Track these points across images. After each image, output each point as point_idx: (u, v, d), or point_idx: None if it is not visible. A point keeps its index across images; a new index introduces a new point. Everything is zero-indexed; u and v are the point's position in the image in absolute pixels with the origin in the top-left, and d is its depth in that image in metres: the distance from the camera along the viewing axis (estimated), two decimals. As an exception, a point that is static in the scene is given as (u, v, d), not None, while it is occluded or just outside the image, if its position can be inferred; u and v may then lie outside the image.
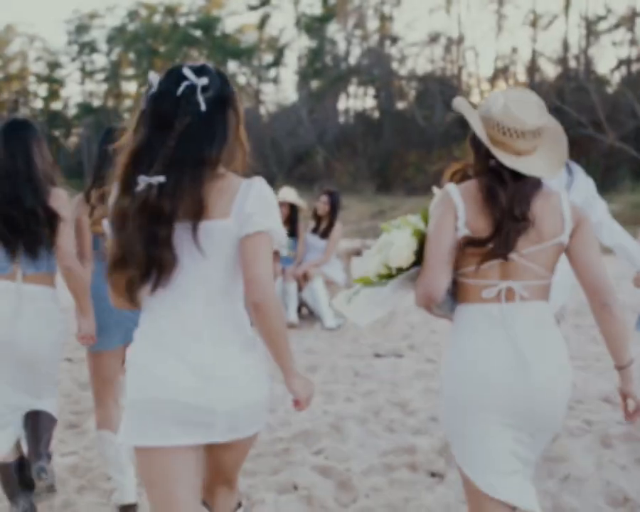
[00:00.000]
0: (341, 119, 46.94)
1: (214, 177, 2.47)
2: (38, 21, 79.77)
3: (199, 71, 2.51)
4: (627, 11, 38.90)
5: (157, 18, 51.04)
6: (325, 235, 9.67)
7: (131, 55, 51.11)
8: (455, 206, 2.72)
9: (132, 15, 50.40)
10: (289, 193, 9.71)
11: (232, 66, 49.37)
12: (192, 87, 2.46)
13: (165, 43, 50.02)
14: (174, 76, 2.50)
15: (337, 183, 30.67)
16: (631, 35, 39.31)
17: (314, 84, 47.26)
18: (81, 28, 50.67)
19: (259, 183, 2.51)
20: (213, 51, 48.37)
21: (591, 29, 40.69)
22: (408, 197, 33.01)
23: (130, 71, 51.93)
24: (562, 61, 41.53)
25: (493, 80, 44.73)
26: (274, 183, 29.41)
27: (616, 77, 41.09)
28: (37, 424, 3.98)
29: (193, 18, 49.67)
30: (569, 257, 2.78)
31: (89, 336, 3.95)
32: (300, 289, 9.49)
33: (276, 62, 48.53)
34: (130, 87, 52.74)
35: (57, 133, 49.41)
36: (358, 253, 10.02)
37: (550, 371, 2.70)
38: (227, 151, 2.51)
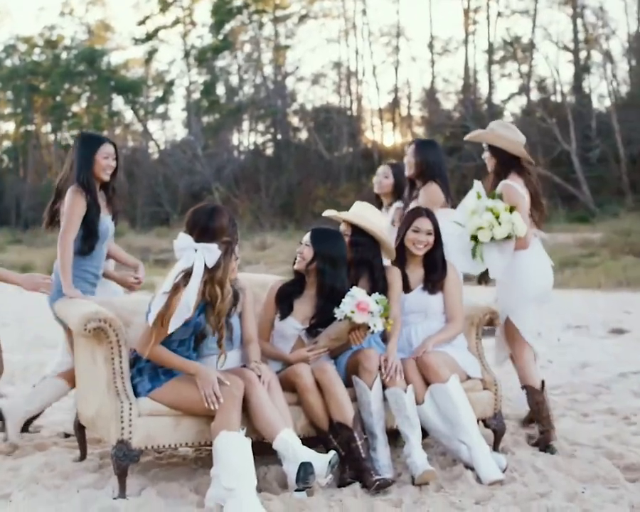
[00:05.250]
0: (236, 154, 42.23)
1: None
2: None
3: None
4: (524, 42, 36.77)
5: (36, 53, 45.06)
6: (432, 283, 4.63)
7: (9, 93, 44.89)
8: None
9: (9, 50, 44.20)
10: (366, 210, 4.83)
11: (118, 102, 44.08)
12: None
13: (45, 79, 44.09)
14: None
15: (240, 222, 26.17)
16: (528, 67, 36.92)
17: (206, 119, 42.52)
18: (-48, 65, 44.25)
19: None
20: (97, 87, 42.99)
21: (492, 59, 37.90)
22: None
23: (8, 109, 45.56)
24: (463, 91, 38.49)
25: (388, 111, 41.12)
26: (168, 222, 23.96)
27: (512, 107, 39.05)
28: None
29: (75, 52, 44.00)
30: None
31: None
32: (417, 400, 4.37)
33: (165, 98, 43.43)
34: (8, 126, 46.27)
35: None
36: (490, 322, 4.77)
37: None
38: None
